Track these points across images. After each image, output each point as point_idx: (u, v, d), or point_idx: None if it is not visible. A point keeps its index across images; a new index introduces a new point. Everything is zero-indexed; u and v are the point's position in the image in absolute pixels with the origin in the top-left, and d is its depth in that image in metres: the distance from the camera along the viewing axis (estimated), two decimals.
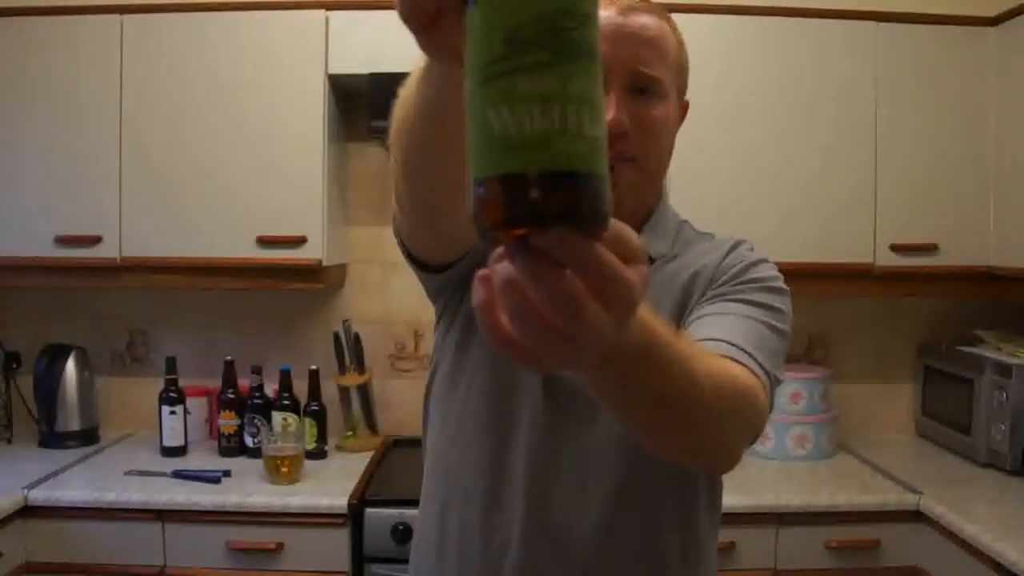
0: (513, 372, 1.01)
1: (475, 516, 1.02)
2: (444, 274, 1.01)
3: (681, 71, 1.04)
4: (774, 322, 0.95)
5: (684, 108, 1.07)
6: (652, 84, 0.97)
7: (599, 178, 0.42)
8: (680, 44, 1.04)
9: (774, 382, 0.89)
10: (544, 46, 0.41)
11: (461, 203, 0.78)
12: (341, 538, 2.09)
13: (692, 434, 0.75)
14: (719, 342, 0.87)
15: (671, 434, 0.74)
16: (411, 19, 0.49)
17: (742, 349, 0.87)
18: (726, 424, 0.77)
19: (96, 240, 2.33)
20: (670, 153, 1.05)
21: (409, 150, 0.76)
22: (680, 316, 1.00)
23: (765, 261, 1.04)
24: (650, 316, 0.60)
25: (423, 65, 0.65)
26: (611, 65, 0.94)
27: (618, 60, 0.95)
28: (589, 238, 0.42)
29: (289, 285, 2.40)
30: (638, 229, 1.05)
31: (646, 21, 0.98)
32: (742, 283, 0.99)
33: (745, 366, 0.85)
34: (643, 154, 0.98)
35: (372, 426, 2.63)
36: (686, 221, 1.13)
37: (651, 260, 1.03)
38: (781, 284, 1.01)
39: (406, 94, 0.72)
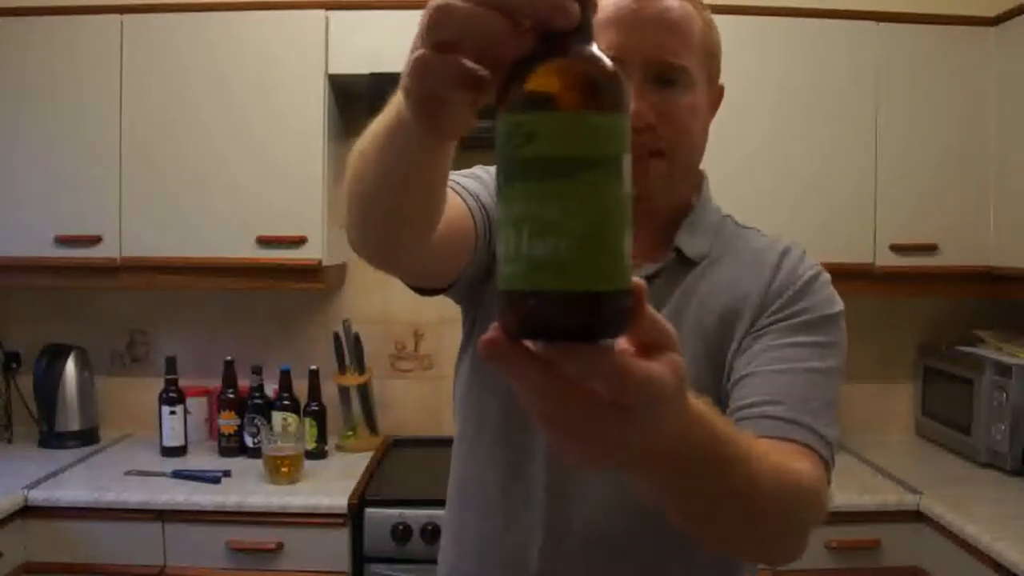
0: None
1: (495, 528, 1.00)
2: (447, 292, 0.97)
3: (710, 55, 0.96)
4: (831, 363, 0.91)
5: (718, 94, 1.00)
6: (678, 74, 0.91)
7: (605, 294, 0.43)
8: (707, 25, 0.96)
9: (834, 449, 0.86)
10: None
11: (426, 250, 0.78)
12: (341, 538, 2.09)
13: (751, 534, 0.73)
14: (778, 408, 0.84)
15: (729, 534, 0.72)
16: (422, 102, 0.51)
17: (805, 427, 0.83)
18: (786, 525, 0.74)
19: (96, 240, 2.33)
20: (703, 143, 0.99)
21: (373, 205, 0.73)
22: (722, 342, 0.95)
23: (817, 277, 0.97)
24: (709, 411, 0.58)
25: (391, 125, 0.63)
26: (630, 54, 0.89)
27: (638, 48, 0.90)
28: (594, 347, 0.43)
29: (289, 285, 2.40)
30: (676, 225, 1.00)
31: (667, 3, 0.90)
32: (795, 315, 0.93)
33: (810, 449, 0.81)
34: (672, 147, 0.93)
35: (372, 426, 2.63)
36: (728, 216, 1.06)
37: (692, 262, 0.99)
38: (835, 307, 0.96)
39: (367, 149, 0.69)
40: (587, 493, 0.96)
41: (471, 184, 0.95)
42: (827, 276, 0.98)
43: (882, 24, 2.37)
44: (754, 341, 0.92)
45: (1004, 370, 2.29)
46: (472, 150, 0.95)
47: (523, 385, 0.45)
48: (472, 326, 1.04)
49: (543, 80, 0.43)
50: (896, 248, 2.39)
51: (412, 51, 0.49)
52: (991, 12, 2.39)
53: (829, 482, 0.84)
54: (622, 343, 0.46)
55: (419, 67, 0.48)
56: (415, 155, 0.63)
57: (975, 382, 2.38)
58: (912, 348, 2.75)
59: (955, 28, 2.39)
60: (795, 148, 2.37)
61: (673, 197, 0.99)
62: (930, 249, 2.40)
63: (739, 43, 2.33)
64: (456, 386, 1.08)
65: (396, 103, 0.61)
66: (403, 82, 0.51)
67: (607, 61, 0.45)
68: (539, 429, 0.47)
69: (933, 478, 2.25)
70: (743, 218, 1.07)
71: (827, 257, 2.46)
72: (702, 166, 1.04)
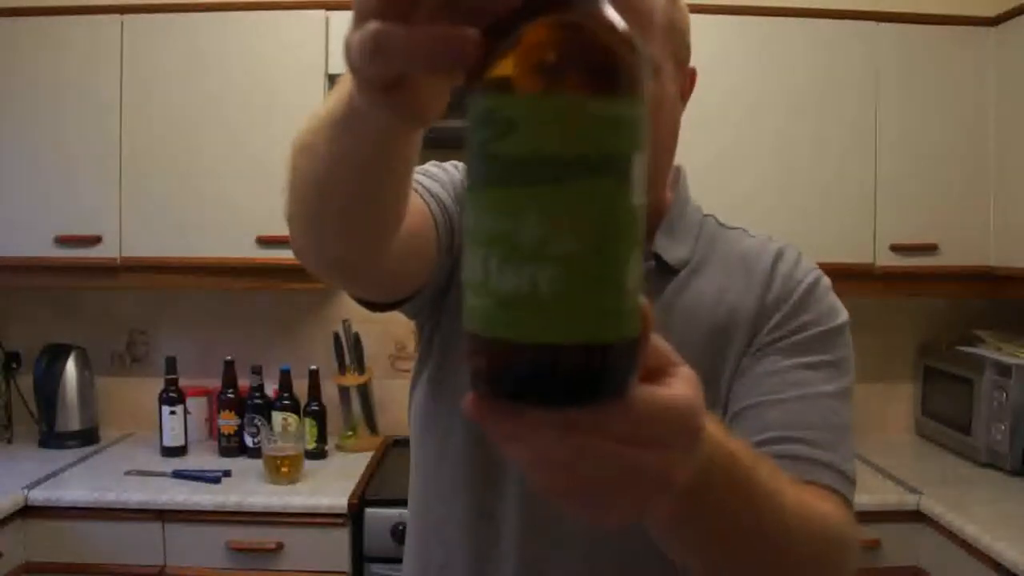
0: None
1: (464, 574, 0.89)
2: (402, 307, 0.85)
3: (674, 34, 0.85)
4: (843, 383, 0.81)
5: (690, 78, 0.89)
6: None
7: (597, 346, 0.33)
8: (670, 1, 0.84)
9: (855, 484, 0.77)
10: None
11: (386, 258, 0.68)
12: (341, 538, 2.09)
13: None
14: (795, 447, 0.74)
15: None
16: (384, 87, 0.39)
17: (826, 465, 0.74)
18: (819, 573, 0.67)
19: (96, 240, 2.33)
20: (675, 135, 0.88)
21: (326, 206, 0.63)
22: (714, 362, 0.84)
23: (818, 284, 0.87)
24: (723, 433, 0.51)
25: (343, 113, 0.52)
26: None
27: None
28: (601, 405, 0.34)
29: (289, 285, 2.40)
30: (652, 229, 0.89)
31: None
32: (798, 330, 0.83)
33: (834, 490, 0.73)
34: None
35: (372, 426, 2.63)
36: (710, 216, 0.96)
37: (673, 270, 0.88)
38: (840, 317, 0.85)
39: (314, 141, 0.59)
40: (563, 536, 0.85)
41: (431, 183, 0.84)
42: (827, 281, 0.88)
43: (882, 24, 2.37)
44: (755, 363, 0.82)
45: (1004, 370, 2.29)
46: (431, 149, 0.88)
47: (526, 457, 0.36)
48: (430, 345, 0.91)
49: (530, 49, 0.32)
50: (896, 248, 2.39)
51: (358, 19, 0.37)
52: (991, 12, 2.39)
53: (855, 525, 0.75)
54: None
55: (376, 45, 0.36)
56: (376, 145, 0.53)
57: (975, 382, 2.38)
58: (912, 348, 2.75)
59: (955, 28, 2.39)
60: (795, 148, 2.37)
61: (647, 197, 0.93)
62: (930, 249, 2.40)
63: (739, 43, 2.34)
64: (411, 413, 0.96)
65: (346, 86, 0.50)
66: (354, 65, 0.38)
67: (620, 23, 0.33)
68: (562, 505, 0.39)
69: (933, 478, 2.25)
70: (739, 218, 0.99)
71: (827, 257, 2.46)
72: (681, 163, 0.96)
